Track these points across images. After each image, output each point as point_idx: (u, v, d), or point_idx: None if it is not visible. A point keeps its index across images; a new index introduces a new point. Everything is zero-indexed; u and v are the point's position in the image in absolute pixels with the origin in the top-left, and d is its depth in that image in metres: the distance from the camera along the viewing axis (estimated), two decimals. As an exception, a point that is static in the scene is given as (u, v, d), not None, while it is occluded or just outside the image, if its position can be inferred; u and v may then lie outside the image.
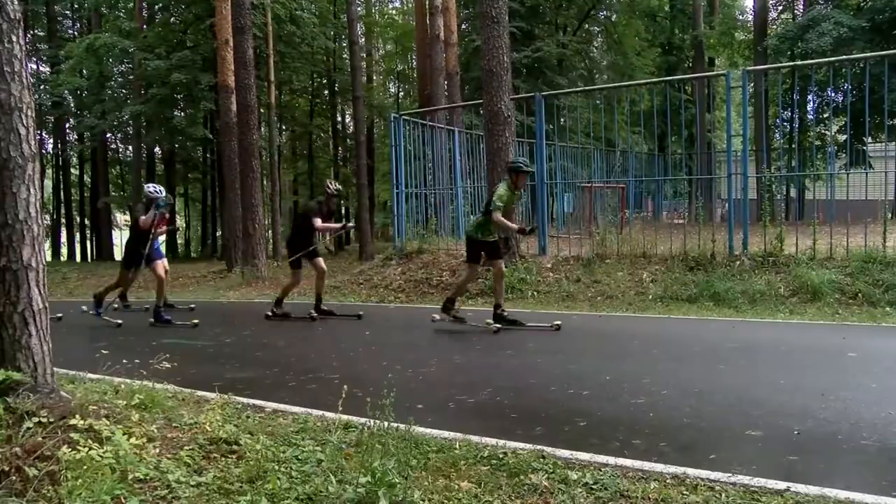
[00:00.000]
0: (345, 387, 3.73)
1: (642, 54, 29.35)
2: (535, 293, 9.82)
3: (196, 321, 8.63)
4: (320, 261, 9.23)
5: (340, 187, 9.23)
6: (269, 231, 25.77)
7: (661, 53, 31.71)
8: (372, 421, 3.57)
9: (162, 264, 9.33)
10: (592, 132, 16.68)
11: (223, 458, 3.34)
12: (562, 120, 18.59)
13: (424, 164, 13.52)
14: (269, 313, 9.06)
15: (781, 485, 2.95)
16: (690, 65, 29.56)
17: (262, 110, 24.13)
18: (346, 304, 9.86)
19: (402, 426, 3.52)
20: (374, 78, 37.91)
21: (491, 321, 7.48)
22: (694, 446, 3.65)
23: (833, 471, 3.23)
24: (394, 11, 39.61)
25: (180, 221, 35.94)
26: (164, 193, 9.02)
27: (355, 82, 23.35)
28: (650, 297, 9.10)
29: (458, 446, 3.49)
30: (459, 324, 7.68)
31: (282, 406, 4.47)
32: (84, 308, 9.72)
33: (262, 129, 24.08)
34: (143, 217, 8.81)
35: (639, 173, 19.55)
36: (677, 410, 4.29)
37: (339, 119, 37.35)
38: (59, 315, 9.39)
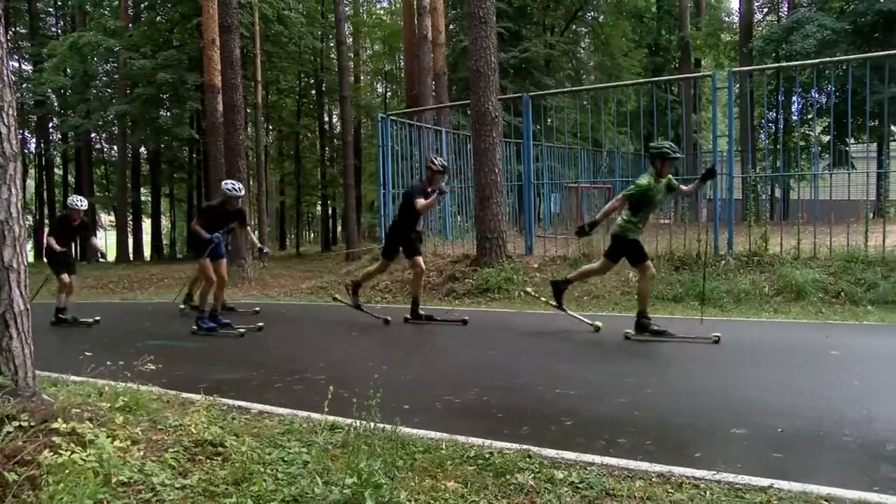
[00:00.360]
0: (331, 387, 3.73)
1: (629, 55, 29.46)
2: (522, 293, 9.83)
3: (261, 324, 8.34)
4: (420, 260, 8.27)
5: (445, 163, 8.21)
6: (256, 231, 25.66)
7: (648, 54, 31.87)
8: (358, 422, 3.57)
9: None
10: (579, 132, 16.74)
11: (208, 461, 3.32)
12: (549, 120, 18.66)
13: (412, 165, 13.51)
14: (349, 302, 8.70)
15: (765, 482, 2.97)
16: (677, 66, 29.75)
17: (248, 110, 24.04)
18: (444, 307, 9.41)
19: (388, 427, 3.51)
20: (362, 78, 37.85)
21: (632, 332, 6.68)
22: (679, 445, 3.66)
23: (816, 467, 3.26)
24: (381, 11, 39.56)
25: (165, 222, 35.72)
26: (242, 191, 8.41)
27: (343, 82, 23.31)
28: (636, 296, 9.12)
29: (444, 446, 3.49)
30: (663, 337, 6.56)
31: (268, 407, 4.45)
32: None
33: (249, 129, 24.00)
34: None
35: (625, 173, 19.61)
36: (663, 409, 4.31)
37: (327, 119, 37.24)
38: (97, 318, 9.34)
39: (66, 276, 9.33)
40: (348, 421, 3.73)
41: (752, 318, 7.68)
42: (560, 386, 4.91)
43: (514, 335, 7.23)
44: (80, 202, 9.50)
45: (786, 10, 26.52)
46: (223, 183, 8.58)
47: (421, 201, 7.76)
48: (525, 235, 11.49)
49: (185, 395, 4.59)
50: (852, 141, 19.90)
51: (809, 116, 20.60)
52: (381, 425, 3.49)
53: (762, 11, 28.59)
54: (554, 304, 7.44)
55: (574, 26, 29.42)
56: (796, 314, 7.78)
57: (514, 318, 8.27)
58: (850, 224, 9.47)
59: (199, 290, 8.77)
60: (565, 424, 4.03)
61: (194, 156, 30.78)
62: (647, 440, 3.67)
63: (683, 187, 7.14)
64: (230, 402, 4.49)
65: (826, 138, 20.06)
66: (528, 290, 7.89)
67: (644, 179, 6.56)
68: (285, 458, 3.32)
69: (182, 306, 9.89)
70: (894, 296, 7.86)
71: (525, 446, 3.48)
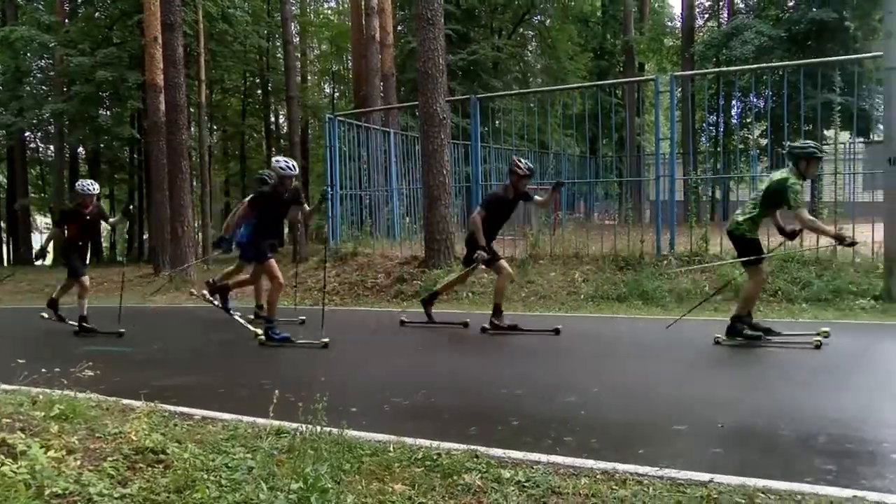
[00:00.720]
0: (276, 392, 3.67)
1: (575, 58, 29.89)
2: (470, 294, 9.88)
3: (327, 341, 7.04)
4: (504, 263, 7.59)
5: (531, 165, 7.52)
6: (199, 234, 25.14)
7: (594, 58, 32.38)
8: (304, 426, 3.52)
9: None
10: (527, 134, 16.91)
11: (149, 468, 3.23)
12: (497, 122, 18.78)
13: (359, 166, 13.43)
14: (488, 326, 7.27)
15: (705, 476, 3.04)
16: (621, 69, 30.29)
17: (192, 109, 23.52)
18: (538, 315, 8.66)
19: (335, 430, 3.48)
20: (309, 78, 37.46)
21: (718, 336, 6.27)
22: (624, 442, 3.73)
23: (754, 461, 3.36)
24: (329, 11, 39.22)
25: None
26: (295, 169, 7.25)
27: (289, 82, 23.02)
28: (582, 296, 9.28)
29: (392, 449, 3.48)
30: (759, 342, 6.17)
31: (211, 413, 4.36)
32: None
33: (193, 128, 23.48)
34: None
35: (571, 175, 19.91)
36: (608, 407, 4.39)
37: (273, 119, 36.72)
38: (122, 330, 8.07)
39: (87, 279, 8.35)
40: (294, 425, 3.68)
41: (692, 317, 7.86)
42: (508, 386, 4.94)
43: (461, 336, 7.26)
44: (92, 186, 8.24)
45: (725, 16, 27.32)
46: (274, 160, 7.28)
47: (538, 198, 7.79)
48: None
49: (125, 401, 4.46)
50: (789, 144, 20.60)
51: (748, 120, 21.24)
52: (328, 429, 3.46)
53: (703, 17, 29.39)
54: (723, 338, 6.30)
55: (521, 29, 29.71)
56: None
57: (463, 319, 8.29)
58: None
59: (267, 297, 7.48)
60: (513, 424, 4.06)
61: (135, 156, 29.96)
62: (593, 438, 3.73)
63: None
64: (172, 408, 4.39)
65: (764, 141, 20.74)
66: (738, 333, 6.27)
67: (793, 180, 6.00)
68: (229, 465, 3.25)
69: (251, 316, 8.66)
70: (827, 294, 8.16)
71: (472, 447, 3.49)
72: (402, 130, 16.15)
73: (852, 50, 18.54)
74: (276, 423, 3.75)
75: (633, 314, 8.15)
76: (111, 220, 9.06)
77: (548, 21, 30.43)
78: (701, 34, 27.38)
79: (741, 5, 26.35)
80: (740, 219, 6.34)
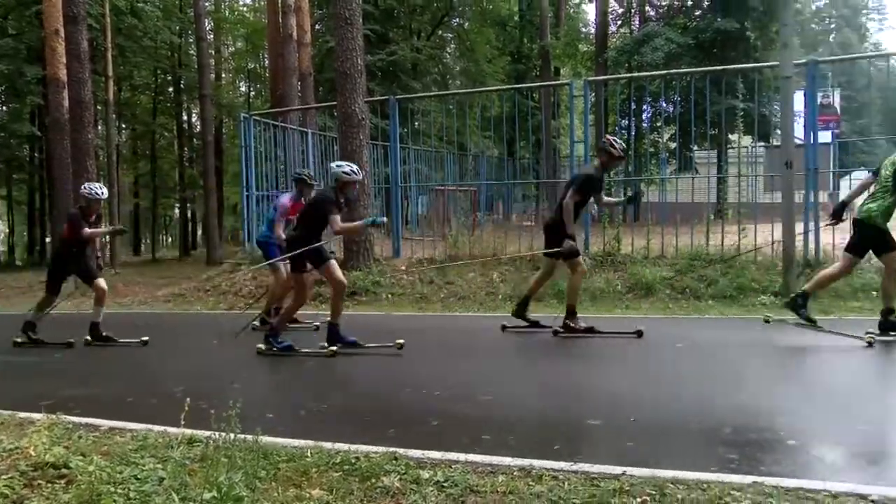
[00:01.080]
0: (188, 399, 3.55)
1: (493, 62, 30.29)
2: (390, 295, 9.85)
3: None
4: (581, 259, 7.03)
5: (623, 145, 6.95)
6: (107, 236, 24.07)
7: (511, 61, 32.88)
8: (217, 434, 3.42)
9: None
10: (446, 136, 17.01)
11: (50, 485, 3.07)
12: (416, 123, 18.82)
13: (276, 166, 13.18)
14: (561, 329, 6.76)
15: (618, 469, 3.13)
16: (538, 73, 30.88)
17: (98, 107, 22.52)
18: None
19: (249, 437, 3.40)
20: (224, 76, 36.51)
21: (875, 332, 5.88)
22: (540, 438, 3.80)
23: (665, 453, 3.49)
24: (244, 8, 38.32)
25: (2, 226, 32.75)
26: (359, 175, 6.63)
27: (203, 80, 22.38)
28: (500, 296, 9.40)
29: (309, 454, 3.43)
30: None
31: (119, 423, 4.18)
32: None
33: (100, 126, 22.48)
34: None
35: (489, 177, 20.17)
36: (525, 404, 4.46)
37: (186, 118, 35.59)
38: (146, 339, 7.37)
39: (101, 281, 7.45)
40: (207, 433, 3.56)
41: (606, 315, 8.10)
42: (427, 387, 4.95)
43: (380, 338, 7.21)
44: (101, 190, 7.42)
45: (637, 23, 28.26)
46: (335, 164, 6.55)
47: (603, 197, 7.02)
48: (392, 238, 11.52)
49: (22, 414, 4.23)
50: (696, 147, 21.52)
51: (658, 124, 22.05)
52: (242, 436, 3.37)
53: (616, 24, 30.31)
54: (803, 321, 6.30)
55: (440, 31, 29.88)
56: (647, 310, 8.30)
57: (383, 320, 8.26)
58: (694, 225, 10.21)
59: (331, 301, 6.55)
60: (431, 424, 4.07)
61: (36, 154, 28.43)
62: (510, 435, 3.78)
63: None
64: (76, 419, 4.18)
65: (673, 145, 21.58)
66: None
67: None
68: (138, 476, 3.13)
69: (317, 325, 7.82)
70: (732, 291, 8.56)
71: (391, 448, 3.48)
72: (321, 131, 15.95)
73: (753, 59, 19.54)
74: (189, 431, 3.63)
75: (549, 313, 8.30)
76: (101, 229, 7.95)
77: (466, 24, 30.72)
78: (614, 40, 28.23)
79: (652, 13, 27.34)
80: (873, 206, 5.90)
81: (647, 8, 27.69)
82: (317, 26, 24.04)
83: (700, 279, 8.96)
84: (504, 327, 7.13)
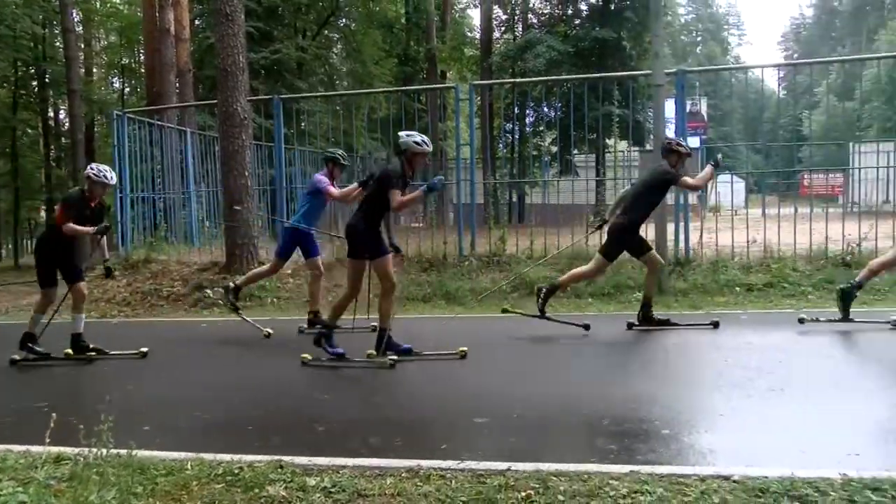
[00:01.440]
0: (54, 415, 3.32)
1: (380, 63, 30.21)
2: (276, 300, 9.62)
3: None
4: (655, 254, 6.99)
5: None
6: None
7: (398, 64, 32.93)
8: (87, 450, 3.22)
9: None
10: (332, 137, 16.80)
11: None
12: (302, 124, 18.47)
13: (153, 167, 12.58)
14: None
15: (503, 465, 3.21)
16: (425, 76, 31.11)
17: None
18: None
19: (123, 452, 3.22)
20: (95, 71, 34.43)
21: None
22: (427, 438, 3.84)
23: (547, 446, 3.61)
24: (118, 1, 36.28)
25: None
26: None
27: (71, 74, 21.02)
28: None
29: (189, 466, 3.30)
30: None
31: (-29, 445, 3.85)
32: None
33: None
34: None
35: (378, 179, 20.13)
36: (410, 405, 4.49)
37: (52, 114, 33.27)
38: (270, 331, 7.19)
39: (83, 285, 6.67)
40: (76, 450, 3.34)
41: (491, 314, 8.25)
42: (314, 393, 4.88)
43: (263, 344, 7.04)
44: (109, 174, 6.38)
45: (521, 30, 29.05)
46: (405, 134, 5.85)
47: (688, 180, 6.77)
48: (278, 240, 11.25)
49: None
50: (576, 152, 22.38)
51: (541, 128, 22.77)
52: (115, 451, 3.19)
53: (500, 30, 31.03)
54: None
55: (326, 31, 29.49)
56: (530, 308, 8.50)
57: (266, 326, 8.05)
58: (575, 226, 10.60)
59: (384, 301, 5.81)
60: (318, 430, 4.02)
61: None
62: (398, 437, 3.79)
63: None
64: (-78, 442, 3.82)
65: (555, 149, 22.35)
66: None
67: None
68: (-6, 502, 2.90)
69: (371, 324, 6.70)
70: (609, 288, 8.94)
71: (276, 457, 3.41)
72: (200, 130, 15.36)
73: (629, 67, 20.57)
74: (55, 449, 3.38)
75: (436, 314, 8.37)
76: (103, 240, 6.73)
77: (353, 24, 30.49)
78: (498, 46, 28.89)
79: (534, 20, 28.19)
80: None
81: (530, 16, 28.53)
82: (196, 21, 23.16)
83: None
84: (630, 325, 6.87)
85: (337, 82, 28.61)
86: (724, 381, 4.79)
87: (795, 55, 71.29)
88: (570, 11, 25.80)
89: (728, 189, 17.32)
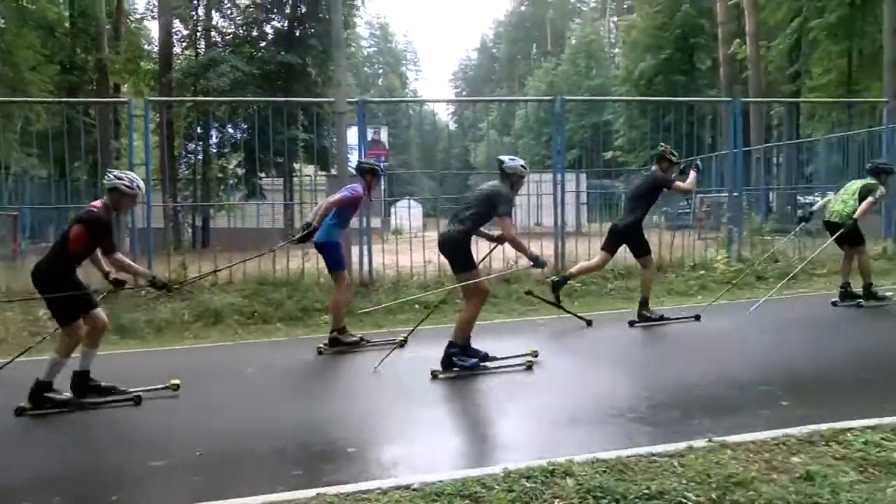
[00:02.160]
0: None
1: (38, 69, 26.71)
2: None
3: None
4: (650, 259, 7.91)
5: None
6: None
7: (62, 71, 29.43)
8: None
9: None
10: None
11: None
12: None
13: None
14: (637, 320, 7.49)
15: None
16: (94, 87, 28.28)
17: None
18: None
19: None
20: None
21: None
22: (93, 492, 3.45)
23: (233, 480, 3.48)
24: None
25: None
26: None
27: None
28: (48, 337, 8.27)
29: None
30: None
31: None
32: None
33: None
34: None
35: (36, 200, 17.77)
36: (71, 456, 3.99)
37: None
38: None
39: (102, 313, 5.25)
40: None
41: (172, 347, 7.74)
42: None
43: None
44: (139, 184, 5.31)
45: (203, 47, 27.92)
46: (509, 158, 5.96)
47: (680, 185, 7.72)
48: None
49: None
50: (263, 175, 22.12)
51: (226, 150, 22.10)
52: None
53: (182, 45, 29.48)
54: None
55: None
56: (216, 338, 8.16)
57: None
58: (262, 251, 10.41)
59: (465, 316, 5.73)
60: None
61: None
62: (56, 497, 3.34)
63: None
64: None
65: (241, 171, 21.85)
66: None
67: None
68: None
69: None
70: (297, 312, 8.95)
71: None
72: None
73: (315, 94, 20.96)
74: None
75: (109, 351, 7.59)
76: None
77: (2, 22, 26.55)
78: (179, 62, 27.45)
79: (218, 39, 27.31)
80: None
81: (213, 33, 27.60)
82: None
83: (268, 303, 9.14)
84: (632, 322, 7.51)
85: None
86: (405, 395, 5.07)
87: (464, 92, 79.37)
88: (255, 33, 25.53)
89: (406, 213, 18.56)
